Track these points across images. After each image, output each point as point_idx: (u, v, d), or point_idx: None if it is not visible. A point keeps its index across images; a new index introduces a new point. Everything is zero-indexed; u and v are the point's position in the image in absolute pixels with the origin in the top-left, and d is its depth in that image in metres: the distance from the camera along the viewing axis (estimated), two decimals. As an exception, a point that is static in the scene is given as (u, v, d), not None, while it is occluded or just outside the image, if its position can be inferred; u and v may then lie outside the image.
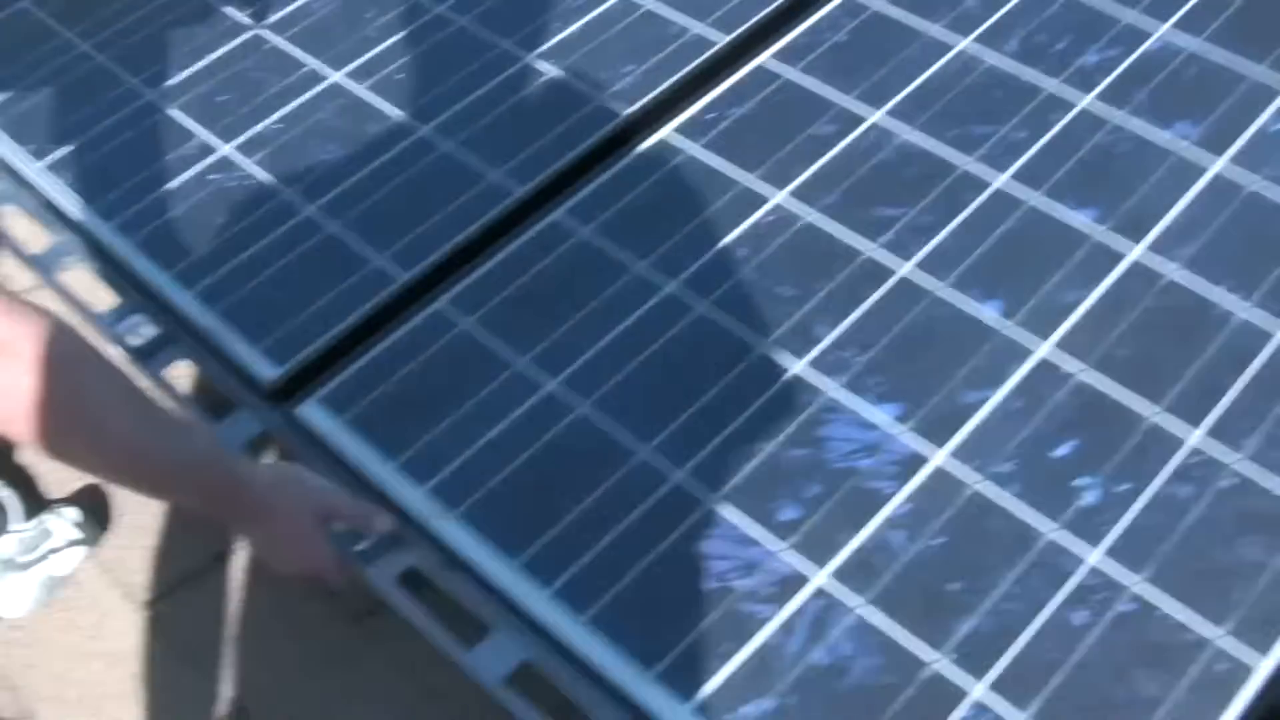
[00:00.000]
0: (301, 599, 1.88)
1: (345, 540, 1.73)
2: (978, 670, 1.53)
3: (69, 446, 1.49)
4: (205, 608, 1.91)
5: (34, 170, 2.24)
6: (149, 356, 1.96)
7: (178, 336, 1.99)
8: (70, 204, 2.17)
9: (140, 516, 2.01)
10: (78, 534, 1.94)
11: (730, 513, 1.68)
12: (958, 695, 1.51)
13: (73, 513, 1.96)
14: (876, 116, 2.08)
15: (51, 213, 2.18)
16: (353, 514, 1.72)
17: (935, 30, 2.20)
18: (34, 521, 1.96)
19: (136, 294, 2.04)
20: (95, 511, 2.00)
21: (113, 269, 2.09)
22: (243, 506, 1.67)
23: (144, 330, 2.00)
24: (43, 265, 2.12)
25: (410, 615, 1.67)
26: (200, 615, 1.91)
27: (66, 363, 1.45)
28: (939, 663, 1.54)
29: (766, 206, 1.99)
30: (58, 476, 2.08)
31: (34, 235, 2.21)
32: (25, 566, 1.92)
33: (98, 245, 2.11)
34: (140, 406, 1.56)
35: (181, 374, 1.99)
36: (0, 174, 2.26)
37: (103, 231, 2.12)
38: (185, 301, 2.00)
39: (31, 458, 2.12)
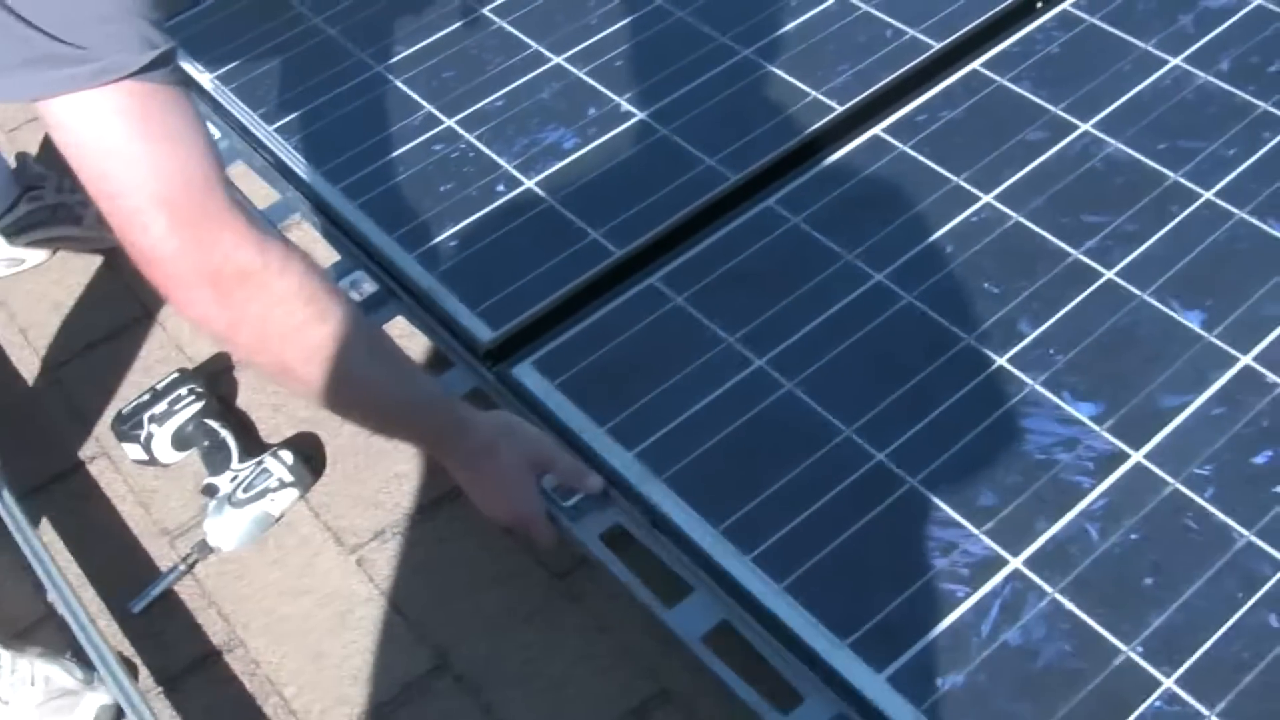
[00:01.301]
0: (506, 553, 1.95)
1: (554, 496, 1.80)
2: (1168, 663, 1.55)
3: (308, 379, 1.57)
4: (411, 556, 1.98)
5: (264, 133, 2.34)
6: (368, 312, 2.05)
7: (397, 295, 2.07)
8: (298, 165, 2.27)
9: (351, 466, 2.10)
10: (291, 477, 2.03)
11: (929, 495, 1.72)
12: (1148, 686, 1.54)
13: (288, 456, 2.04)
14: (1086, 126, 2.11)
15: (279, 172, 2.28)
16: (566, 470, 1.78)
17: (1148, 46, 2.22)
18: (251, 462, 2.05)
19: (359, 253, 2.13)
20: (308, 457, 2.08)
21: (336, 228, 2.18)
22: (463, 448, 1.74)
23: (364, 287, 2.08)
24: (268, 220, 2.21)
25: (614, 570, 1.74)
26: (406, 562, 1.98)
27: (311, 299, 1.52)
28: (1130, 652, 1.57)
29: (974, 206, 2.03)
30: (274, 423, 2.17)
31: (260, 193, 2.31)
32: (241, 504, 2.00)
33: (323, 205, 2.20)
34: (377, 345, 1.63)
35: (399, 331, 2.07)
36: (231, 133, 2.36)
37: (329, 193, 2.21)
38: (406, 263, 2.09)
39: (250, 403, 2.21)
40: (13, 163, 2.48)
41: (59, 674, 1.89)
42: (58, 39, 1.34)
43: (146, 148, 1.41)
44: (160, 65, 1.40)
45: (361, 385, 1.64)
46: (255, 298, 1.49)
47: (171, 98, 1.43)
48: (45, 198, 2.46)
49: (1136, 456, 1.73)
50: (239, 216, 1.47)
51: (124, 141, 1.40)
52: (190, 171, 1.43)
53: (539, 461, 1.78)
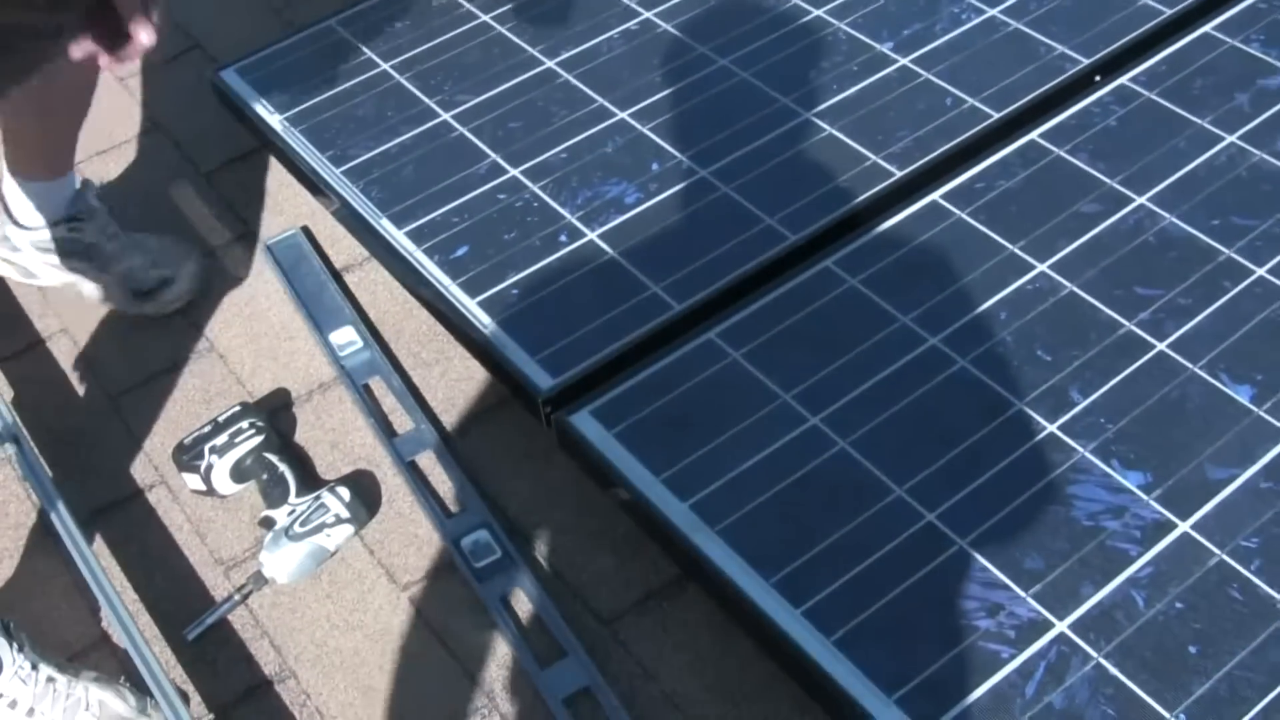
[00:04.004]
0: (550, 592, 1.98)
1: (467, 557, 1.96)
2: (1210, 731, 1.58)
3: None
4: (461, 595, 2.02)
5: (331, 175, 2.38)
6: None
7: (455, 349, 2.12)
8: (365, 210, 2.31)
9: (405, 505, 2.13)
10: (347, 513, 2.06)
11: (977, 556, 1.75)
12: (1189, 752, 1.57)
13: (344, 493, 2.07)
14: (1141, 200, 2.15)
15: (346, 214, 2.33)
16: None
17: (1204, 123, 2.26)
18: (309, 497, 2.09)
19: (421, 298, 2.17)
20: (364, 495, 2.12)
21: (403, 271, 2.22)
22: None
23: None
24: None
25: (502, 632, 1.92)
26: (456, 601, 2.01)
27: None
28: (1172, 720, 1.59)
29: (1029, 275, 2.06)
30: (331, 459, 2.21)
31: (332, 238, 2.35)
32: (297, 537, 2.04)
33: (388, 248, 2.25)
34: None
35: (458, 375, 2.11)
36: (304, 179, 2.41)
37: (393, 236, 2.25)
38: (468, 309, 2.12)
39: (309, 439, 2.24)
40: (79, 184, 2.44)
41: (113, 700, 1.92)
42: None
43: None
44: None
45: None
46: None
47: None
48: (84, 232, 2.43)
49: (1184, 526, 1.76)
50: None
51: None
52: None
53: None
